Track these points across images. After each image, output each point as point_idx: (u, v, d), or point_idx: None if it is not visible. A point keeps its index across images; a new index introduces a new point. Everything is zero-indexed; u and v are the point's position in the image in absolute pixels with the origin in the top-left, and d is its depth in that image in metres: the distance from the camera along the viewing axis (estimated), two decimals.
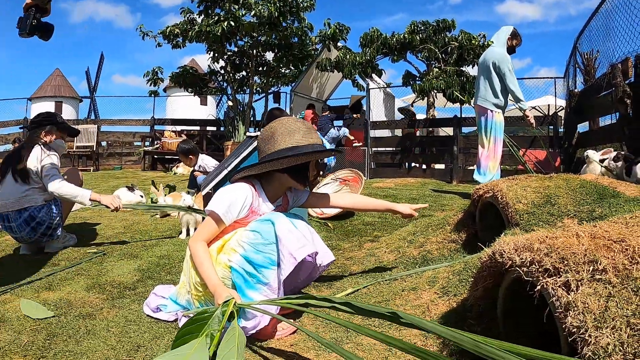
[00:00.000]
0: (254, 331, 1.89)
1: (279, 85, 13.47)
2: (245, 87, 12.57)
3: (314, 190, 2.45)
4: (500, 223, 2.57)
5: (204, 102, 25.91)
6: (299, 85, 12.08)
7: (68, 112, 28.59)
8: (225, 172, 3.70)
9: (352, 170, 4.85)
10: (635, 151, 4.15)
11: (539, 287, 1.14)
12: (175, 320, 2.19)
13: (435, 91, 9.55)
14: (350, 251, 3.18)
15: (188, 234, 3.85)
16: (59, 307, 2.44)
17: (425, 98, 10.67)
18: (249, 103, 11.58)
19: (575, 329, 1.02)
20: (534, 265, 1.18)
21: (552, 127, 8.50)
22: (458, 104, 9.61)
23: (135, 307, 2.41)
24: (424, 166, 10.03)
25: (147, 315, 2.29)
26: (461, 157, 8.93)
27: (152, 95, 13.00)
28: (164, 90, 24.65)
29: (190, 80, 12.17)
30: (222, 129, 12.66)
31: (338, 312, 1.65)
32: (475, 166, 5.42)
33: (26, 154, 3.53)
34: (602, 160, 4.41)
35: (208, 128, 13.40)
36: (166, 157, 12.26)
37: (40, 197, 3.49)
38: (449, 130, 13.68)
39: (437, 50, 9.97)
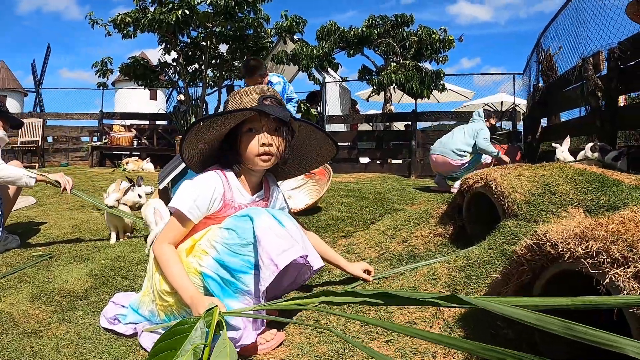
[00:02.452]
0: (242, 341, 1.58)
1: (233, 79, 13.12)
2: (197, 81, 12.18)
3: (280, 191, 2.13)
4: (490, 215, 2.42)
5: (153, 97, 25.15)
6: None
7: (12, 106, 27.26)
8: (183, 164, 3.42)
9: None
10: (609, 142, 4.13)
11: (607, 281, 0.96)
12: (134, 335, 1.86)
13: (394, 85, 9.49)
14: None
15: (118, 237, 3.43)
16: (1, 324, 2.02)
17: (382, 93, 10.62)
18: (201, 97, 11.21)
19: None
20: (601, 255, 1.00)
21: (510, 122, 8.59)
22: (413, 100, 9.61)
23: (89, 320, 2.05)
24: (378, 161, 9.94)
25: (104, 329, 1.94)
26: (419, 152, 8.90)
27: (101, 87, 12.42)
28: (113, 84, 23.79)
29: (141, 72, 11.67)
30: (173, 123, 12.23)
31: (335, 315, 1.44)
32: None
33: None
34: (572, 151, 4.43)
35: (159, 122, 12.91)
36: (115, 152, 11.75)
37: None
38: (401, 126, 13.74)
39: (395, 45, 9.91)
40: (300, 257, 1.66)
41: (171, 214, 1.80)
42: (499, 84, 12.07)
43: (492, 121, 5.65)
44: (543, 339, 1.18)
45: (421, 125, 11.35)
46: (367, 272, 2.20)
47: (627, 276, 0.96)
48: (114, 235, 3.40)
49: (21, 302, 2.24)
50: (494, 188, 2.32)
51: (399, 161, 10.00)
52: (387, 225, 3.08)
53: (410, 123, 9.64)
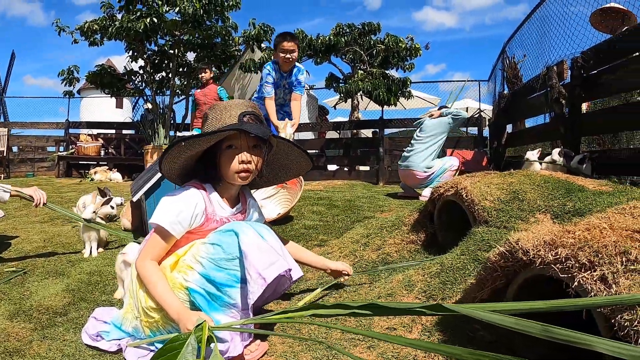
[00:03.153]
0: (230, 353, 1.62)
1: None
2: (165, 89, 12.11)
3: (254, 201, 2.17)
4: (461, 222, 2.50)
5: (119, 105, 24.89)
6: (221, 84, 11.78)
7: None
8: (157, 175, 3.43)
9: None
10: (572, 148, 4.28)
11: (575, 284, 1.04)
12: (119, 351, 1.86)
13: (361, 93, 9.61)
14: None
15: (91, 252, 3.36)
16: None
17: (349, 100, 10.73)
18: (169, 105, 11.14)
19: (627, 323, 0.93)
20: (569, 261, 1.08)
21: (476, 127, 8.76)
22: (380, 107, 9.75)
23: (70, 336, 2.03)
24: (346, 168, 10.01)
25: (86, 345, 1.93)
26: (387, 159, 9.01)
27: (67, 96, 12.25)
28: (78, 92, 23.44)
29: (107, 80, 11.56)
30: (140, 132, 12.11)
31: (325, 326, 1.49)
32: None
33: None
34: (541, 158, 4.56)
35: (125, 131, 12.76)
36: (82, 162, 11.56)
37: None
38: (368, 133, 13.86)
39: (362, 53, 10.04)
40: (277, 275, 1.67)
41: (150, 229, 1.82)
42: (464, 90, 12.31)
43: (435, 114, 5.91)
44: (522, 341, 1.26)
45: (388, 132, 11.52)
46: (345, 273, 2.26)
47: (594, 279, 1.04)
48: (87, 248, 3.36)
49: None
50: (464, 196, 2.42)
51: (367, 168, 10.09)
52: (360, 234, 3.14)
53: (377, 130, 9.76)
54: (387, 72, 9.90)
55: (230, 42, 11.32)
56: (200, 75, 8.67)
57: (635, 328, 0.94)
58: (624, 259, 1.06)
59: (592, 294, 1.02)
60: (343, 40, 9.98)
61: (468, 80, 11.35)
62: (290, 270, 1.71)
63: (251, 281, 1.60)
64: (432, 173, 5.48)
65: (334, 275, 2.27)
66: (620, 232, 1.16)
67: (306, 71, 5.36)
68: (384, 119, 9.26)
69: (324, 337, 1.75)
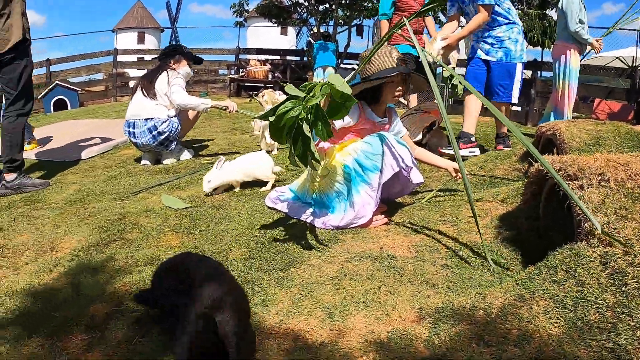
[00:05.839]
0: (358, 222, 2.60)
1: (362, 18, 13.81)
2: (328, 19, 13.01)
3: (399, 119, 3.03)
4: None
5: (284, 32, 26.39)
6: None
7: (150, 43, 29.76)
8: None
9: (435, 103, 5.23)
10: None
11: (562, 187, 1.79)
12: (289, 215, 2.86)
13: None
14: (430, 171, 3.79)
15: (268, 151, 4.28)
16: (194, 201, 3.15)
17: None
18: (332, 35, 12.04)
19: (581, 212, 1.68)
20: (561, 172, 1.83)
21: (630, 79, 8.42)
22: (539, 47, 9.71)
23: (256, 202, 3.10)
24: None
25: (268, 207, 2.97)
26: (538, 101, 9.07)
27: (238, 25, 13.70)
28: (245, 20, 25.35)
29: (275, 12, 12.73)
30: (305, 59, 13.24)
31: None
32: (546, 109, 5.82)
33: (156, 76, 4.32)
34: None
35: (290, 58, 13.98)
36: (250, 84, 12.98)
37: (165, 112, 4.28)
38: (527, 73, 13.64)
39: None
40: (405, 171, 2.61)
41: None
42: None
43: None
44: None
45: (546, 74, 11.35)
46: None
47: (576, 186, 1.78)
48: (264, 147, 4.39)
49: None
50: (557, 136, 3.07)
51: (518, 108, 10.23)
52: (479, 159, 3.85)
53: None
54: (546, 12, 9.81)
55: None
56: None
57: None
58: (599, 178, 1.76)
59: (574, 192, 1.76)
60: None
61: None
62: (410, 168, 2.62)
63: (385, 169, 2.56)
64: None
65: (453, 174, 3.00)
66: (609, 162, 1.83)
67: None
68: (538, 61, 9.32)
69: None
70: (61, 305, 2.00)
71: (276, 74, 13.22)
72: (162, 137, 4.27)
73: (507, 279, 1.85)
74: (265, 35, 24.45)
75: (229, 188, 3.42)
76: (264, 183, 3.42)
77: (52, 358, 1.67)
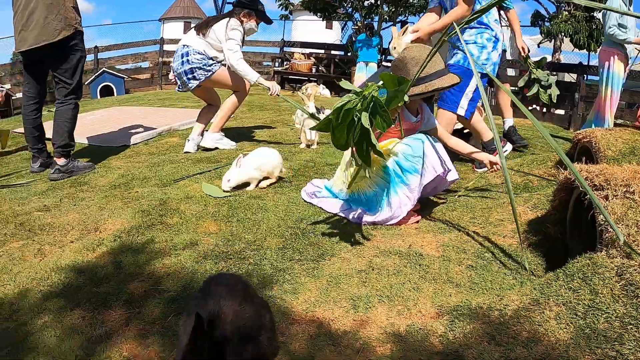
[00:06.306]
0: (393, 220, 2.69)
1: (407, 15, 13.77)
2: (373, 15, 13.02)
3: (428, 109, 3.06)
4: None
5: (329, 26, 26.46)
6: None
7: None
8: None
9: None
10: None
11: (588, 196, 1.83)
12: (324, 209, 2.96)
13: (562, 35, 9.57)
14: (464, 173, 3.83)
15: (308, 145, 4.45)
16: (232, 190, 3.27)
17: (552, 40, 10.67)
18: (377, 31, 12.06)
19: (603, 222, 1.72)
20: (587, 182, 1.87)
21: None
22: (585, 51, 9.57)
23: (293, 194, 3.21)
24: (544, 109, 10.05)
25: (304, 200, 3.09)
26: (582, 105, 8.91)
27: (283, 18, 13.83)
28: (290, 12, 25.55)
29: (320, 6, 12.83)
30: (348, 54, 13.29)
31: None
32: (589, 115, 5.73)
33: (220, 18, 4.34)
34: None
35: (334, 52, 14.04)
36: (294, 77, 13.13)
37: (205, 50, 4.28)
38: (572, 76, 13.39)
39: None
40: (443, 171, 2.68)
41: None
42: None
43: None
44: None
45: (593, 77, 11.12)
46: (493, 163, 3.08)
47: (601, 196, 1.81)
48: (304, 141, 4.51)
49: None
50: (593, 144, 3.08)
51: (562, 112, 10.07)
52: (515, 162, 3.85)
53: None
54: (594, 15, 9.64)
55: None
56: None
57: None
58: (625, 189, 1.79)
59: (600, 202, 1.80)
60: None
61: None
62: (449, 171, 2.71)
63: (426, 171, 2.63)
64: None
65: (488, 166, 3.09)
66: (636, 174, 1.87)
67: None
68: (583, 65, 9.18)
69: None
70: (102, 282, 2.16)
71: (320, 68, 13.32)
72: (188, 66, 4.27)
73: (527, 283, 1.91)
74: (310, 28, 24.56)
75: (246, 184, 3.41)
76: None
77: (92, 330, 1.82)
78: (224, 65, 4.40)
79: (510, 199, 2.13)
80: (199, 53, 4.27)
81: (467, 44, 3.75)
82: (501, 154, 2.19)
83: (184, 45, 4.31)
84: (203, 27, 4.33)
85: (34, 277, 2.22)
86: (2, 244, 2.63)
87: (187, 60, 4.26)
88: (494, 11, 3.79)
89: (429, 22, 3.96)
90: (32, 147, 4.06)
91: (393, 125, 2.76)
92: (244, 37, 4.43)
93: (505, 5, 4.76)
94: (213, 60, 4.34)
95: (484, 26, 3.75)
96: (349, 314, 1.83)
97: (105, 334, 1.79)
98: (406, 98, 2.37)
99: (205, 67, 4.29)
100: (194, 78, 4.31)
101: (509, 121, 5.15)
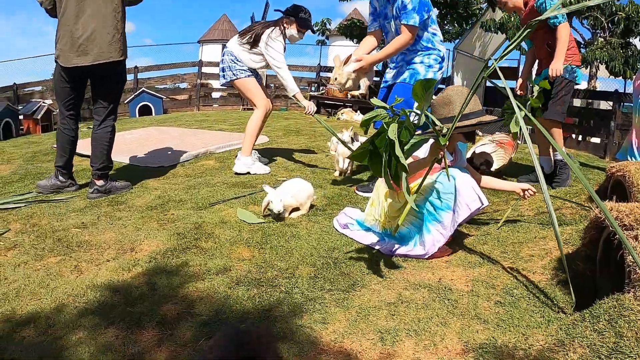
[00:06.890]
0: (425, 256, 2.70)
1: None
2: None
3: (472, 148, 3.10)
4: (625, 199, 3.12)
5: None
6: (462, 43, 12.39)
7: None
8: None
9: (508, 134, 5.22)
10: None
11: (617, 236, 1.84)
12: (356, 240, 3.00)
13: (597, 62, 9.44)
14: (497, 205, 3.82)
15: (341, 174, 4.45)
16: (267, 217, 3.35)
17: (588, 67, 10.55)
18: None
19: (632, 263, 1.73)
20: (617, 221, 1.88)
21: None
22: (621, 77, 9.43)
23: (326, 223, 3.27)
24: (580, 137, 9.96)
25: (336, 230, 3.14)
26: (618, 134, 8.81)
27: (320, 44, 14.05)
28: (327, 37, 25.89)
29: (357, 32, 13.00)
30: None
31: None
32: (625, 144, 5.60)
33: (264, 26, 4.49)
34: None
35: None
36: (329, 102, 13.20)
37: (239, 54, 4.47)
38: (608, 104, 13.21)
39: (603, 19, 9.77)
40: (477, 207, 2.64)
41: None
42: None
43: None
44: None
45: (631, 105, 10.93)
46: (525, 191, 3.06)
47: (630, 236, 1.82)
48: (338, 170, 4.51)
49: None
50: (627, 178, 3.05)
51: (597, 140, 9.95)
52: (550, 194, 3.85)
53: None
54: (630, 41, 9.49)
55: (474, 0, 11.83)
56: None
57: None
58: None
59: (631, 242, 1.80)
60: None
61: None
62: (482, 207, 2.67)
63: (460, 209, 2.60)
64: None
65: (521, 194, 3.06)
66: None
67: None
68: (619, 92, 9.06)
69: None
70: (137, 302, 2.25)
71: (356, 94, 13.37)
72: (221, 65, 4.61)
73: (555, 322, 1.92)
74: (347, 54, 24.65)
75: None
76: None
77: (126, 349, 1.90)
78: (254, 75, 4.61)
79: (556, 236, 2.17)
80: (231, 55, 4.51)
81: (414, 64, 3.82)
82: (543, 186, 2.21)
83: (225, 45, 4.66)
84: (245, 31, 4.54)
85: (70, 293, 2.34)
86: (40, 258, 2.77)
87: (222, 60, 4.60)
88: (438, 33, 3.88)
89: (368, 46, 3.99)
90: (59, 166, 4.07)
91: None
92: (285, 46, 4.58)
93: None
94: (242, 65, 4.51)
95: (431, 48, 3.81)
96: (377, 347, 1.87)
97: (137, 353, 1.87)
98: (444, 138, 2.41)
99: (232, 69, 4.53)
100: (224, 77, 4.62)
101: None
